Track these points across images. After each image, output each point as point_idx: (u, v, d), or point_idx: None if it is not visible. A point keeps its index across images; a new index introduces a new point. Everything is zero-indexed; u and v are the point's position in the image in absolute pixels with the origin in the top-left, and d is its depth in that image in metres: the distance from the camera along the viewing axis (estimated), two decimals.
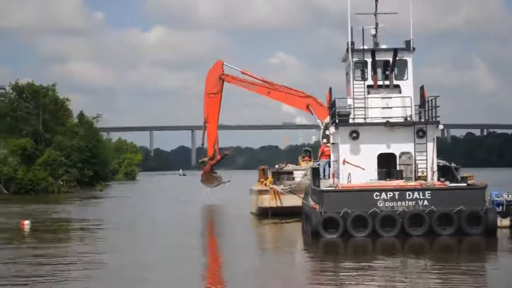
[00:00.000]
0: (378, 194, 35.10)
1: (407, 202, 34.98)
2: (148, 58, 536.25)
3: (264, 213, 49.60)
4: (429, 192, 35.21)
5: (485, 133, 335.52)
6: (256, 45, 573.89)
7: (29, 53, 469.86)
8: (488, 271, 27.47)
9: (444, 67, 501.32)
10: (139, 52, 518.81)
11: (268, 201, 49.64)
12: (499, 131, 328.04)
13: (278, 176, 52.24)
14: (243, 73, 63.14)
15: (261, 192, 50.40)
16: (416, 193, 35.16)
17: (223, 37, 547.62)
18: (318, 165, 43.93)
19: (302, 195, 45.16)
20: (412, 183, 36.53)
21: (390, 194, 35.09)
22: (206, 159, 67.15)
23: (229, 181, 66.88)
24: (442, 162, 40.81)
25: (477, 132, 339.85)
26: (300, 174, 50.07)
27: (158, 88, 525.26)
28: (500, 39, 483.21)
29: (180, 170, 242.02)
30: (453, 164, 51.44)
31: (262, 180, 52.77)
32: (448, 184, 36.97)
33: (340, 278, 25.17)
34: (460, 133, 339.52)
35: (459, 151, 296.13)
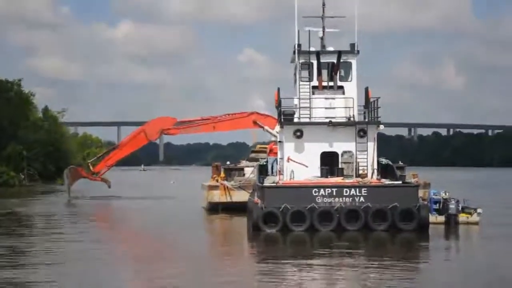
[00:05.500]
0: (317, 190, 36.78)
1: (344, 198, 36.71)
2: (116, 53, 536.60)
3: (214, 208, 51.16)
4: (365, 189, 36.95)
5: (451, 133, 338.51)
6: (226, 40, 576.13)
7: None
8: (419, 263, 29.04)
9: (413, 66, 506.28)
10: (108, 47, 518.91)
11: (218, 196, 51.26)
12: (465, 131, 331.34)
13: (230, 172, 53.87)
14: (182, 122, 64.20)
15: (211, 187, 51.99)
16: (353, 190, 36.88)
17: (192, 32, 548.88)
18: (266, 162, 45.60)
19: (251, 191, 46.66)
20: (350, 181, 38.19)
21: (328, 191, 36.77)
22: (91, 166, 68.46)
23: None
24: (385, 161, 42.53)
25: (443, 131, 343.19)
26: (250, 170, 51.63)
27: (126, 83, 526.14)
28: (470, 40, 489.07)
29: (142, 165, 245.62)
30: (400, 163, 53.52)
31: (214, 176, 54.25)
32: (384, 182, 38.66)
33: (276, 270, 26.16)
34: (427, 132, 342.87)
35: (425, 150, 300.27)
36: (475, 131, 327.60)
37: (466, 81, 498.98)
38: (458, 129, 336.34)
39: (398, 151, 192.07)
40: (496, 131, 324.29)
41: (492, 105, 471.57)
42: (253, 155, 60.04)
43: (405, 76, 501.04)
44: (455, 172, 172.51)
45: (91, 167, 68.53)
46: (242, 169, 54.36)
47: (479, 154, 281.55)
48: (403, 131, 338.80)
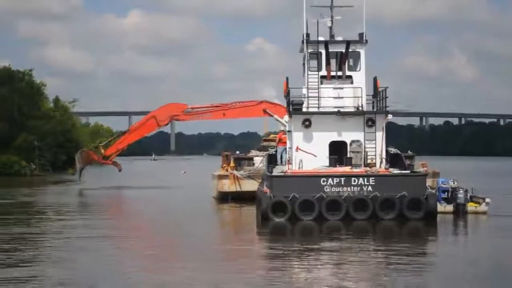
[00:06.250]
0: (325, 179, 36.94)
1: (352, 187, 36.88)
2: (127, 43, 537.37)
3: (224, 198, 51.39)
4: (373, 178, 37.08)
5: (463, 122, 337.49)
6: (235, 31, 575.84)
7: (7, 36, 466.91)
8: (426, 253, 29.16)
9: (424, 56, 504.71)
10: (119, 37, 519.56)
11: (228, 185, 51.48)
12: (476, 120, 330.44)
13: (239, 162, 54.05)
14: (192, 108, 64.39)
15: (221, 177, 52.19)
16: (361, 179, 37.03)
17: (202, 22, 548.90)
18: (276, 151, 45.80)
19: (260, 180, 46.86)
20: (358, 170, 38.30)
21: (336, 180, 36.93)
22: (102, 150, 68.97)
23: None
24: (394, 150, 42.58)
25: (455, 121, 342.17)
26: (260, 160, 51.80)
27: (137, 73, 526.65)
28: (480, 29, 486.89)
29: (153, 155, 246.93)
30: (409, 152, 53.52)
31: (224, 165, 54.49)
32: (392, 171, 38.73)
33: (285, 260, 26.24)
34: (438, 121, 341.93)
35: (437, 140, 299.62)
36: (487, 121, 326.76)
37: (477, 70, 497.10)
38: (469, 119, 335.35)
39: (409, 140, 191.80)
40: (508, 120, 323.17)
41: (503, 94, 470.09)
42: (264, 144, 60.25)
43: (415, 66, 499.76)
44: (466, 162, 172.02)
45: (102, 151, 68.93)
46: (251, 158, 54.58)
47: (491, 143, 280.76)
48: (415, 121, 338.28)
